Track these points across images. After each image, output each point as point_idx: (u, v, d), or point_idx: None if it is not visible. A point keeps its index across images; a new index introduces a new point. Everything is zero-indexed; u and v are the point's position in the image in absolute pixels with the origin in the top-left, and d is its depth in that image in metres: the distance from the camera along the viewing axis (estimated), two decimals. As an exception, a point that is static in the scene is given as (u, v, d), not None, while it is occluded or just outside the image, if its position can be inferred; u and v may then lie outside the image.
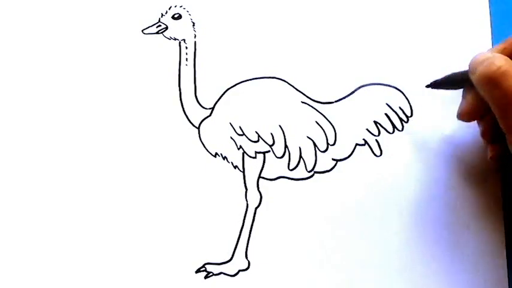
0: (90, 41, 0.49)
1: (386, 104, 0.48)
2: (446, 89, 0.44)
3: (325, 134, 0.47)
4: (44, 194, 0.47)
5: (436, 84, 0.45)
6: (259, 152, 0.47)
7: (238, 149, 0.47)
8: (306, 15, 0.49)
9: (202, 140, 0.47)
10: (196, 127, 0.48)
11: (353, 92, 0.48)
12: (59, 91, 0.49)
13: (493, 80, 0.38)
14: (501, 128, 0.39)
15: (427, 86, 0.45)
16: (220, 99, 0.48)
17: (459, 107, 0.43)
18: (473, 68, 0.40)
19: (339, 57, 0.48)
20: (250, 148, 0.47)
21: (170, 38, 0.49)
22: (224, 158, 0.47)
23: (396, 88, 0.48)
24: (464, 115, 0.43)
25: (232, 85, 0.48)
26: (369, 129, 0.47)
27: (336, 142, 0.47)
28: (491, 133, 0.43)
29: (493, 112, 0.39)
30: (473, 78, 0.39)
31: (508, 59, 0.39)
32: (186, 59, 0.49)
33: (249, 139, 0.47)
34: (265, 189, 0.46)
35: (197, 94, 0.48)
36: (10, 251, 0.46)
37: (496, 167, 0.45)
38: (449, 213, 0.45)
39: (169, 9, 0.49)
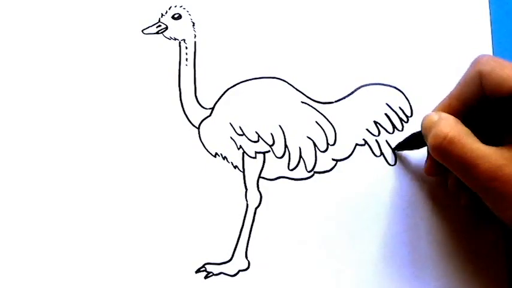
0: (90, 41, 0.49)
1: (386, 104, 0.48)
2: (411, 149, 0.45)
3: (325, 134, 0.47)
4: (44, 194, 0.47)
5: (399, 147, 0.46)
6: (259, 152, 0.47)
7: (238, 149, 0.47)
8: (306, 16, 0.49)
9: (202, 140, 0.47)
10: (196, 127, 0.48)
11: (353, 92, 0.48)
12: (59, 91, 0.49)
13: (442, 151, 0.38)
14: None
15: (394, 149, 0.46)
16: (220, 99, 0.48)
17: (425, 163, 0.44)
18: (425, 134, 0.40)
19: (339, 57, 0.48)
20: (250, 148, 0.47)
21: (170, 38, 0.49)
22: (224, 158, 0.47)
23: (396, 88, 0.48)
24: (429, 171, 0.44)
25: (232, 85, 0.48)
26: (369, 129, 0.47)
27: (336, 142, 0.47)
28: (457, 185, 0.42)
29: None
30: (427, 144, 0.40)
31: (453, 120, 0.38)
32: (186, 59, 0.49)
33: (249, 139, 0.47)
34: (265, 189, 0.46)
35: (197, 94, 0.48)
36: (10, 251, 0.46)
37: (471, 213, 0.45)
38: (450, 212, 0.45)
39: (169, 9, 0.49)
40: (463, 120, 0.39)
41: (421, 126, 0.41)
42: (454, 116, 0.39)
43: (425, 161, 0.44)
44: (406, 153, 0.47)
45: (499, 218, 0.38)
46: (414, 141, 0.44)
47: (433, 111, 0.42)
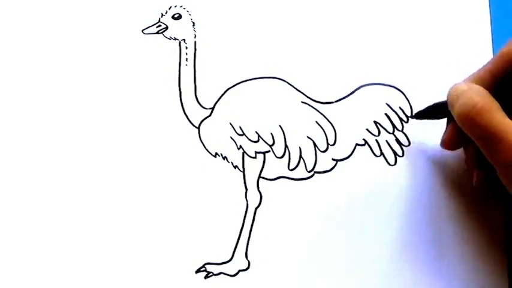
0: (90, 41, 0.49)
1: (386, 104, 0.48)
2: (431, 118, 0.45)
3: (325, 134, 0.47)
4: (44, 194, 0.47)
5: (419, 115, 0.46)
6: (259, 152, 0.47)
7: (238, 149, 0.47)
8: (306, 16, 0.49)
9: (202, 140, 0.47)
10: (196, 127, 0.48)
11: (353, 92, 0.48)
12: (59, 91, 0.49)
13: (470, 120, 0.37)
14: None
15: (411, 117, 0.46)
16: (220, 99, 0.48)
17: (443, 135, 0.44)
18: (451, 103, 0.39)
19: (339, 57, 0.48)
20: (250, 148, 0.47)
21: (170, 38, 0.49)
22: (224, 158, 0.47)
23: (396, 88, 0.48)
24: (447, 144, 0.43)
25: (232, 85, 0.48)
26: (369, 129, 0.47)
27: (336, 142, 0.47)
28: (475, 161, 0.42)
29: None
30: (453, 113, 0.39)
31: (483, 91, 0.38)
32: (186, 59, 0.49)
33: (249, 139, 0.47)
34: (265, 189, 0.46)
35: (197, 94, 0.48)
36: (10, 251, 0.46)
37: (482, 193, 0.45)
38: (449, 212, 0.45)
39: (169, 9, 0.49)
40: (493, 95, 0.38)
41: (448, 95, 0.40)
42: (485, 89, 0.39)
43: (444, 133, 0.44)
44: (406, 153, 0.47)
45: None
46: (435, 111, 0.43)
47: (463, 81, 0.41)
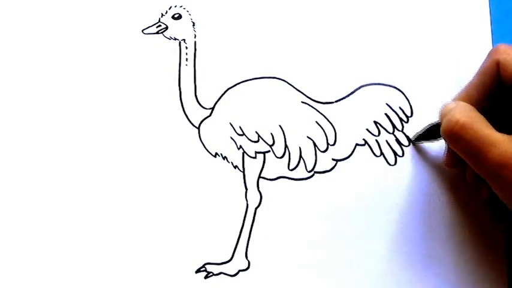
0: (90, 41, 0.49)
1: (386, 104, 0.48)
2: (429, 140, 0.46)
3: (325, 134, 0.47)
4: (44, 194, 0.47)
5: (418, 138, 0.46)
6: (259, 152, 0.47)
7: (238, 149, 0.47)
8: (306, 16, 0.49)
9: (202, 140, 0.47)
10: (196, 127, 0.48)
11: (353, 92, 0.48)
12: (59, 91, 0.48)
13: (453, 135, 0.38)
14: None
15: (411, 142, 0.47)
16: (220, 99, 0.48)
17: (443, 155, 0.44)
18: (441, 122, 0.40)
19: (339, 57, 0.48)
20: (250, 148, 0.47)
21: (170, 38, 0.49)
22: (224, 158, 0.47)
23: (396, 88, 0.48)
24: (448, 163, 0.44)
25: (232, 85, 0.48)
26: (369, 129, 0.47)
27: (336, 142, 0.47)
28: (477, 177, 0.42)
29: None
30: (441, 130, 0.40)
31: (468, 107, 0.39)
32: (186, 59, 0.49)
33: (249, 139, 0.47)
34: (265, 189, 0.46)
35: (197, 94, 0.48)
36: (10, 251, 0.46)
37: (490, 206, 0.45)
38: (449, 211, 0.45)
39: (169, 9, 0.49)
40: (481, 109, 0.39)
41: (439, 115, 0.41)
42: (472, 105, 0.39)
43: (444, 152, 0.44)
44: (406, 153, 0.47)
45: (507, 206, 0.38)
46: (433, 132, 0.44)
47: (452, 100, 0.42)
